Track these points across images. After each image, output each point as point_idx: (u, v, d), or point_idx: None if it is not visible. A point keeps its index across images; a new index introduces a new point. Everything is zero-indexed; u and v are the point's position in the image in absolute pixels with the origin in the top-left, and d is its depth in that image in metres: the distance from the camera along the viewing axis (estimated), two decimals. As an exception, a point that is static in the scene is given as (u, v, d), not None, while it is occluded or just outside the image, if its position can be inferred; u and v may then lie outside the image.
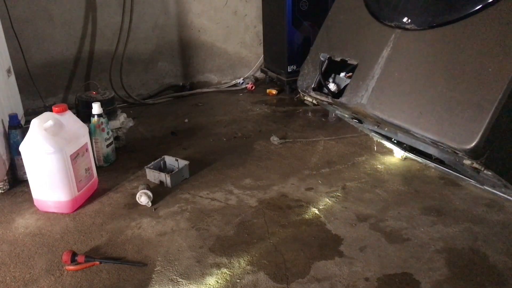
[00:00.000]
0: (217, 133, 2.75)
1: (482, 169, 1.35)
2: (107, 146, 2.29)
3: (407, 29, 1.54)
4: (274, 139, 2.55)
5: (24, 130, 1.98)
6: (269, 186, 2.07)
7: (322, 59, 1.78)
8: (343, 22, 1.83)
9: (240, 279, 1.49)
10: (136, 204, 1.94)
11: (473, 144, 1.26)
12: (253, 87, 3.65)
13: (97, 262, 1.56)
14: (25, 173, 1.93)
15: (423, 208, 1.85)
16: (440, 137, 1.35)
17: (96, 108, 2.22)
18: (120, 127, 2.55)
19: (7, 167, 2.05)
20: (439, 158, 2.07)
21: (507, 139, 1.31)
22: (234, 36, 3.72)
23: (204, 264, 1.56)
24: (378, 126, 1.68)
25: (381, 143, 2.34)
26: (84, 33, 3.14)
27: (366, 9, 1.72)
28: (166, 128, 2.85)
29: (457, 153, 1.35)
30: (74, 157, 1.88)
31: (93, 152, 2.15)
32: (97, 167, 2.19)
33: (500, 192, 1.82)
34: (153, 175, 2.13)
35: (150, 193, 1.93)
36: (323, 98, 1.78)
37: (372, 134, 2.16)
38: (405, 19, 1.54)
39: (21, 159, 1.87)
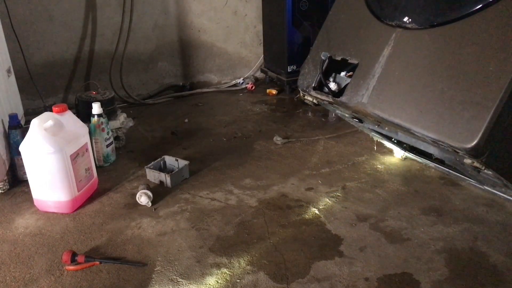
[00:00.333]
0: (217, 133, 2.75)
1: (483, 168, 1.35)
2: (107, 146, 2.29)
3: (408, 28, 1.54)
4: (278, 139, 2.55)
5: (24, 130, 1.98)
6: (269, 186, 2.07)
7: (323, 58, 1.78)
8: (344, 22, 1.83)
9: (240, 279, 1.49)
10: (136, 204, 1.94)
11: (474, 143, 1.26)
12: (253, 87, 3.65)
13: (97, 262, 1.56)
14: (25, 173, 1.93)
15: (423, 208, 1.85)
16: (440, 136, 1.35)
17: (96, 108, 2.22)
18: (120, 127, 2.55)
19: (7, 167, 2.05)
20: (439, 158, 2.07)
21: (508, 138, 1.31)
22: (234, 36, 3.72)
23: (204, 264, 1.56)
24: (379, 125, 1.68)
25: (381, 143, 2.34)
26: (84, 33, 3.14)
27: (367, 9, 1.72)
28: (166, 128, 2.85)
29: (458, 152, 1.35)
30: (74, 157, 1.88)
31: (93, 152, 2.15)
32: (97, 167, 2.19)
33: (500, 192, 1.82)
34: (153, 175, 2.14)
35: (150, 193, 1.93)
36: (324, 98, 1.78)
37: (372, 134, 2.16)
38: (406, 18, 1.54)
39: (21, 159, 1.87)
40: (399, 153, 2.29)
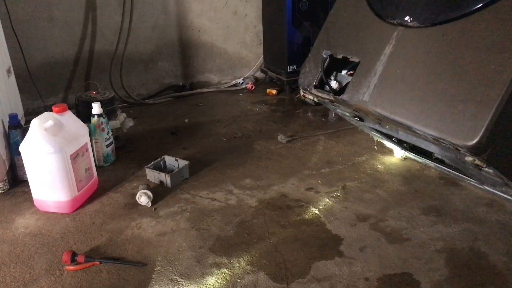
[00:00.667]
0: (217, 133, 2.75)
1: (484, 166, 1.35)
2: (107, 146, 2.29)
3: (409, 27, 1.54)
4: (282, 138, 2.55)
5: (24, 130, 1.98)
6: (269, 186, 2.07)
7: (324, 56, 1.77)
8: (345, 20, 1.83)
9: (240, 279, 1.49)
10: (136, 204, 1.94)
11: (476, 140, 1.26)
12: (253, 87, 3.65)
13: (97, 262, 1.56)
14: (25, 173, 1.93)
15: (423, 208, 1.85)
16: (442, 134, 1.34)
17: (96, 108, 2.22)
18: (120, 127, 2.55)
19: (7, 167, 2.05)
20: (439, 158, 2.07)
21: (510, 136, 1.31)
22: (234, 36, 3.72)
23: (204, 264, 1.56)
24: (380, 123, 1.68)
25: (382, 142, 2.34)
26: (84, 33, 3.14)
27: (368, 7, 1.72)
28: (166, 128, 2.85)
29: (459, 150, 1.35)
30: (74, 157, 1.88)
31: (93, 152, 2.15)
32: (97, 167, 2.19)
33: (500, 191, 1.82)
34: (153, 175, 2.13)
35: (150, 193, 1.93)
36: (325, 96, 1.78)
37: (373, 133, 2.16)
38: (407, 17, 1.54)
39: (21, 159, 1.87)
40: (399, 153, 2.29)
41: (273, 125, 2.84)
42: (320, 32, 1.93)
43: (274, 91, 3.49)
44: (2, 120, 2.06)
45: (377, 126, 1.78)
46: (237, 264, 1.56)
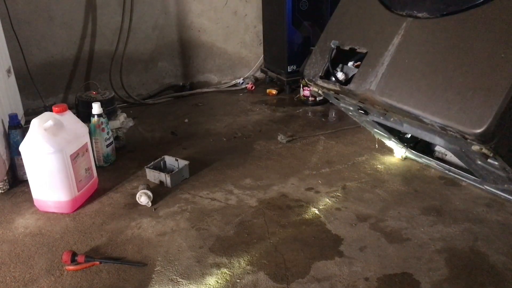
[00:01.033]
0: (217, 133, 2.75)
1: (491, 154, 1.34)
2: (107, 146, 2.29)
3: (418, 18, 1.54)
4: (282, 138, 2.55)
5: (24, 130, 1.98)
6: (269, 186, 2.07)
7: (332, 46, 1.77)
8: (353, 12, 1.84)
9: (240, 279, 1.49)
10: (136, 204, 1.94)
11: (484, 128, 1.26)
12: (253, 87, 3.65)
13: (97, 262, 1.56)
14: (25, 173, 1.93)
15: (423, 208, 1.85)
16: (449, 122, 1.34)
17: (96, 108, 2.22)
18: (120, 127, 2.55)
19: (7, 167, 2.05)
20: (440, 157, 2.07)
21: None
22: (234, 36, 3.72)
23: (204, 264, 1.56)
24: (385, 114, 1.67)
25: (382, 141, 2.34)
26: (84, 33, 3.14)
27: None
28: (166, 128, 2.85)
29: (466, 139, 1.34)
30: (74, 157, 1.88)
31: (93, 152, 2.15)
32: (97, 167, 2.19)
33: (501, 190, 1.81)
34: (153, 175, 2.13)
35: (150, 193, 1.93)
36: (330, 86, 1.76)
37: (375, 131, 2.15)
38: (416, 8, 1.55)
39: (21, 159, 1.87)
40: (399, 153, 2.29)
41: (273, 125, 2.84)
42: (328, 23, 1.92)
43: (274, 91, 3.49)
44: (2, 120, 2.06)
45: (381, 119, 1.77)
46: (237, 264, 1.56)
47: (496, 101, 1.25)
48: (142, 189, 1.94)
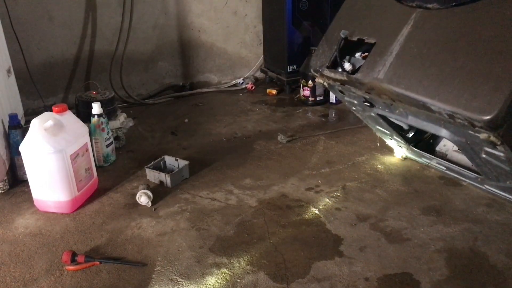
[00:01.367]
0: (217, 133, 2.75)
1: (499, 143, 1.33)
2: (107, 146, 2.29)
3: (428, 8, 1.54)
4: (282, 138, 2.55)
5: (24, 130, 1.98)
6: (269, 186, 2.07)
7: (342, 36, 1.76)
8: (362, 3, 1.84)
9: (240, 279, 1.49)
10: (136, 204, 1.94)
11: (493, 114, 1.25)
12: (253, 87, 3.65)
13: (97, 262, 1.56)
14: (25, 173, 1.93)
15: (423, 208, 1.85)
16: (458, 108, 1.33)
17: (96, 108, 2.22)
18: (120, 127, 2.55)
19: (7, 167, 2.05)
20: (440, 155, 2.07)
21: None
22: (234, 36, 3.72)
23: (204, 264, 1.56)
24: (391, 105, 1.66)
25: (383, 140, 2.34)
26: (84, 33, 3.14)
27: None
28: (166, 128, 2.85)
29: (475, 126, 1.33)
30: (74, 157, 1.88)
31: (93, 152, 2.15)
32: (97, 167, 2.19)
33: (502, 189, 1.81)
34: (153, 175, 2.13)
35: (150, 193, 1.93)
36: (337, 76, 1.76)
37: (376, 128, 2.14)
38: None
39: (21, 159, 1.87)
40: (399, 153, 2.29)
41: (273, 125, 2.84)
42: (337, 14, 1.92)
43: (274, 91, 3.49)
44: (2, 120, 2.06)
45: (386, 111, 1.77)
46: (237, 264, 1.56)
47: (505, 88, 1.24)
48: (142, 189, 1.94)
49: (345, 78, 1.73)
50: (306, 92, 3.17)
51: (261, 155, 2.40)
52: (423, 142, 2.12)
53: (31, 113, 2.89)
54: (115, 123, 2.51)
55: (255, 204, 1.93)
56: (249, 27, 3.76)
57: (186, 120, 2.97)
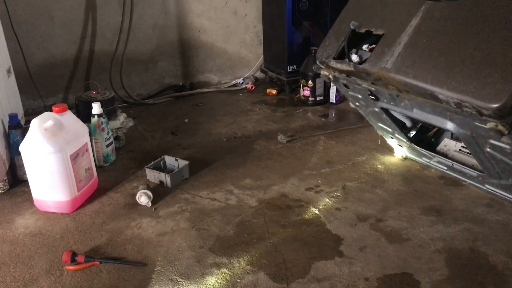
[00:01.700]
0: (217, 133, 2.75)
1: (506, 132, 1.33)
2: (107, 146, 2.29)
3: (438, 0, 1.55)
4: (282, 138, 2.55)
5: (24, 130, 1.98)
6: (269, 186, 2.07)
7: (352, 27, 1.76)
8: None
9: (240, 279, 1.49)
10: (136, 204, 1.94)
11: (501, 102, 1.25)
12: (253, 87, 3.65)
13: (97, 262, 1.56)
14: (25, 173, 1.93)
15: (423, 208, 1.85)
16: (466, 96, 1.34)
17: (96, 108, 2.22)
18: (120, 127, 2.55)
19: (7, 167, 2.05)
20: (441, 154, 2.06)
21: None
22: (234, 36, 3.72)
23: (204, 264, 1.56)
24: (398, 96, 1.66)
25: (384, 139, 2.34)
26: (84, 33, 3.14)
27: None
28: (166, 128, 2.85)
29: (482, 115, 1.33)
30: (74, 157, 1.88)
31: (93, 152, 2.15)
32: (97, 167, 2.19)
33: (503, 188, 1.81)
34: (153, 175, 2.13)
35: (150, 193, 1.93)
36: (344, 67, 1.75)
37: (378, 126, 2.14)
38: None
39: (21, 159, 1.87)
40: (399, 153, 2.29)
41: (273, 125, 2.84)
42: (345, 7, 1.92)
43: (274, 91, 3.49)
44: (2, 120, 2.06)
45: (391, 104, 1.77)
46: (237, 264, 1.56)
47: None
48: (142, 189, 1.94)
49: (352, 68, 1.72)
50: (306, 92, 3.17)
51: (261, 155, 2.40)
52: (424, 142, 2.12)
53: (31, 113, 2.89)
54: (115, 123, 2.51)
55: (255, 204, 1.93)
56: (249, 27, 3.76)
57: (186, 120, 2.97)
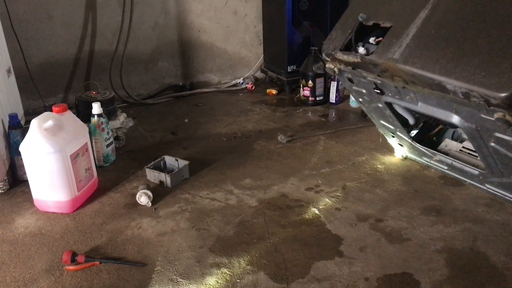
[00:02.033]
0: (217, 133, 2.75)
1: None
2: (107, 146, 2.29)
3: None
4: (282, 138, 2.55)
5: (24, 130, 1.98)
6: (269, 186, 2.07)
7: (360, 19, 1.76)
8: None
9: (240, 279, 1.49)
10: (136, 204, 1.94)
11: (511, 91, 1.25)
12: (253, 87, 3.65)
13: (97, 262, 1.56)
14: (25, 173, 1.93)
15: (423, 208, 1.85)
16: (475, 86, 1.33)
17: (96, 108, 2.22)
18: (120, 127, 2.55)
19: (7, 167, 2.05)
20: (442, 152, 2.06)
21: None
22: (234, 36, 3.72)
23: (204, 264, 1.56)
24: (404, 88, 1.65)
25: (385, 138, 2.34)
26: (84, 33, 3.14)
27: None
28: (166, 128, 2.85)
29: (490, 105, 1.33)
30: (74, 157, 1.88)
31: (93, 152, 2.15)
32: (97, 167, 2.19)
33: (503, 188, 1.81)
34: (153, 175, 2.13)
35: (150, 193, 1.93)
36: (351, 58, 1.75)
37: (380, 123, 2.14)
38: None
39: (21, 159, 1.87)
40: (399, 153, 2.29)
41: (273, 125, 2.84)
42: (351, 2, 1.92)
43: (274, 91, 3.49)
44: (2, 120, 2.06)
45: (396, 98, 1.76)
46: (237, 264, 1.56)
47: None
48: (142, 189, 1.94)
49: (358, 60, 1.71)
50: (306, 92, 3.17)
51: (261, 155, 2.40)
52: (425, 141, 2.12)
53: (31, 113, 2.89)
54: (115, 123, 2.51)
55: (255, 204, 1.93)
56: (249, 27, 3.76)
57: (186, 120, 2.98)
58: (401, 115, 1.95)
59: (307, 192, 2.02)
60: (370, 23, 1.77)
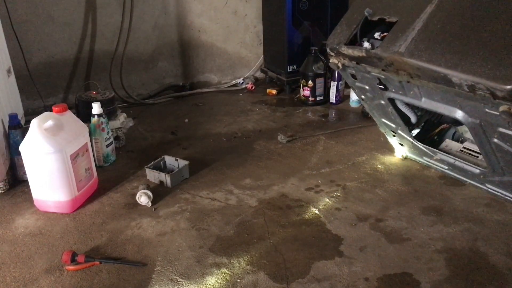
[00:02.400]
0: (217, 133, 2.75)
1: None
2: (107, 146, 2.29)
3: None
4: (282, 138, 2.55)
5: (24, 130, 1.98)
6: (269, 186, 2.07)
7: (366, 14, 1.76)
8: None
9: (240, 279, 1.49)
10: (136, 204, 1.94)
11: None
12: (253, 87, 3.65)
13: (97, 262, 1.56)
14: (25, 173, 1.93)
15: (423, 208, 1.85)
16: (481, 78, 1.33)
17: (96, 108, 2.22)
18: (120, 127, 2.55)
19: (7, 167, 2.05)
20: (443, 151, 2.05)
21: None
22: (234, 36, 3.72)
23: (204, 264, 1.56)
24: (408, 82, 1.65)
25: (386, 138, 2.34)
26: (84, 33, 3.14)
27: None
28: (166, 128, 2.85)
29: (496, 97, 1.33)
30: (74, 157, 1.88)
31: (93, 152, 2.15)
32: (97, 167, 2.19)
33: (504, 187, 1.80)
34: (153, 175, 2.14)
35: (150, 193, 1.93)
36: (356, 52, 1.75)
37: (382, 121, 2.13)
38: None
39: (21, 159, 1.87)
40: (399, 153, 2.29)
41: (273, 125, 2.84)
42: None
43: (274, 91, 3.49)
44: (2, 120, 2.06)
45: (400, 94, 1.76)
46: (237, 264, 1.56)
47: None
48: (142, 189, 1.94)
49: (363, 54, 1.71)
50: (306, 92, 3.17)
51: (261, 155, 2.40)
52: (425, 141, 2.12)
53: (31, 113, 2.89)
54: (115, 123, 2.51)
55: (255, 204, 1.93)
56: (249, 27, 3.76)
57: (186, 120, 2.98)
58: (403, 112, 1.95)
59: (307, 192, 2.02)
60: (376, 18, 1.76)
